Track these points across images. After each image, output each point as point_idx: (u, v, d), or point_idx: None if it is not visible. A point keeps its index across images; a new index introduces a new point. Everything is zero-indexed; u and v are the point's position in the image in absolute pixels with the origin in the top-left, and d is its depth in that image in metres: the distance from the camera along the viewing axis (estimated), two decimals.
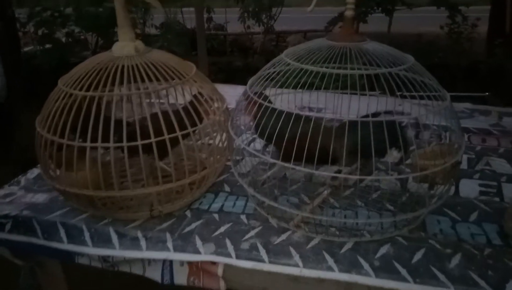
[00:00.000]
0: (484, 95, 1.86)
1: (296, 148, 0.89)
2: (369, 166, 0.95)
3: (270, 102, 0.98)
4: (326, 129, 0.93)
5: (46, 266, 1.21)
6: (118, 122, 0.94)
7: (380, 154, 0.98)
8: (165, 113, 0.95)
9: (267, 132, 0.97)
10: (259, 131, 1.04)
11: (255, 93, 1.00)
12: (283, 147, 0.90)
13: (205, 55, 3.67)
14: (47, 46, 3.76)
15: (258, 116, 0.97)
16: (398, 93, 0.89)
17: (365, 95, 0.96)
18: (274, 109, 0.94)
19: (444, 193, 0.95)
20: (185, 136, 0.98)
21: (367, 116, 0.90)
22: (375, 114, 0.92)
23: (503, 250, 0.91)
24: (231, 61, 4.91)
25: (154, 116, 0.95)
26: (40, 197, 1.15)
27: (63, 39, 3.81)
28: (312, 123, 0.91)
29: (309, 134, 0.89)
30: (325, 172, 0.94)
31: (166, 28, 4.71)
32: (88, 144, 0.91)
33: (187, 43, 4.31)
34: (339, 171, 1.28)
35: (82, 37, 4.03)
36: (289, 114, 0.92)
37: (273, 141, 1.01)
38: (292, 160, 0.90)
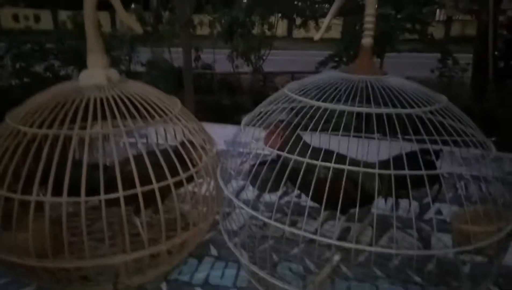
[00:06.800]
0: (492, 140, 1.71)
1: (333, 191, 0.71)
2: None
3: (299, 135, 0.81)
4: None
5: None
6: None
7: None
8: (139, 157, 0.75)
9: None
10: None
11: (280, 121, 0.82)
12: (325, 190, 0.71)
13: (191, 93, 3.50)
14: (26, 80, 3.56)
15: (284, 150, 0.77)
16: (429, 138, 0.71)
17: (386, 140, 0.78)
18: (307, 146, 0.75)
19: (495, 269, 0.76)
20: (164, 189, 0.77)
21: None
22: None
23: None
24: (218, 100, 4.78)
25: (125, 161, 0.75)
26: None
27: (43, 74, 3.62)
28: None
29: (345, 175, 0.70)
30: (330, 240, 0.69)
31: (152, 65, 4.58)
32: (33, 197, 0.69)
33: (173, 80, 4.18)
34: (348, 228, 1.09)
35: (63, 72, 3.85)
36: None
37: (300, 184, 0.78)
38: (339, 208, 0.71)
